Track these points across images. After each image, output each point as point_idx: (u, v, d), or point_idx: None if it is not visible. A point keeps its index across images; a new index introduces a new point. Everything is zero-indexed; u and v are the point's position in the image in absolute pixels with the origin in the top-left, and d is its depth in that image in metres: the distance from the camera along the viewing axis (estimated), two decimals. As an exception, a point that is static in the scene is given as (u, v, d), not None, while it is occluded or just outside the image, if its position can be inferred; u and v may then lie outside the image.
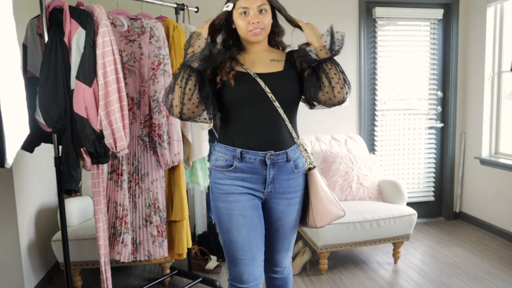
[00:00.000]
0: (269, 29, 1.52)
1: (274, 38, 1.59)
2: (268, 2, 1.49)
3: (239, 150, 1.49)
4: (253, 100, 1.48)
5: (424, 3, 3.67)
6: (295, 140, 1.56)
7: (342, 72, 1.49)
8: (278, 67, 1.54)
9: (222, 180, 1.52)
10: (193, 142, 2.41)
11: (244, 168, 1.50)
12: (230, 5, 1.48)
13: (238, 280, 1.52)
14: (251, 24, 1.45)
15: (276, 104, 1.48)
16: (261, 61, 1.54)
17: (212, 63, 1.43)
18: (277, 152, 1.50)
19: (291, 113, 1.54)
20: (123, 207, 2.15)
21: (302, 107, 1.63)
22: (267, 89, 1.47)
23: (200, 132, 2.41)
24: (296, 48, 1.57)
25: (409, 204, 3.19)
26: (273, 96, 1.47)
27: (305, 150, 1.60)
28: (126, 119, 1.90)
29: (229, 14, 1.49)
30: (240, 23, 1.47)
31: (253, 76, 1.48)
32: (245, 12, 1.46)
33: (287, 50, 1.62)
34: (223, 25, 1.50)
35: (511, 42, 3.44)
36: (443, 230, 3.66)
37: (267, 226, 1.59)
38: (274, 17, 1.54)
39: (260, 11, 1.46)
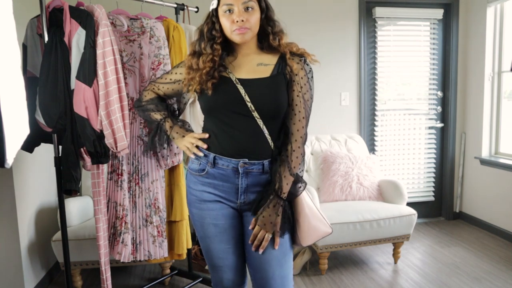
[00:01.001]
0: (256, 29, 1.38)
1: (264, 39, 1.43)
2: (255, 0, 1.36)
3: (212, 155, 1.41)
4: (231, 107, 1.37)
5: (424, 3, 3.67)
6: (274, 153, 1.41)
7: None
8: (265, 72, 1.40)
9: (195, 185, 1.46)
10: (193, 142, 2.41)
11: (216, 175, 1.42)
12: (215, 2, 1.38)
13: (219, 285, 1.49)
14: (236, 23, 1.33)
15: (255, 114, 1.36)
16: (247, 65, 1.41)
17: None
18: (252, 161, 1.39)
19: (273, 124, 1.40)
20: (123, 207, 2.15)
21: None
22: (246, 98, 1.35)
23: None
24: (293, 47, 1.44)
25: (409, 204, 3.19)
26: (252, 106, 1.35)
27: None
28: (126, 119, 1.90)
29: (215, 14, 1.39)
30: (224, 22, 1.36)
31: (235, 82, 1.37)
32: (229, 10, 1.34)
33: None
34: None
35: (511, 42, 3.44)
36: (443, 230, 3.66)
37: (248, 245, 1.45)
38: (265, 16, 1.40)
39: (246, 8, 1.34)
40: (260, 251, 1.38)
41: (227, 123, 1.39)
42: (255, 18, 1.36)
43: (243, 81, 1.38)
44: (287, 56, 1.40)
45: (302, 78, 1.40)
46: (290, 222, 1.44)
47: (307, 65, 1.43)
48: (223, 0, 1.35)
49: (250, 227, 1.40)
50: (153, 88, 1.63)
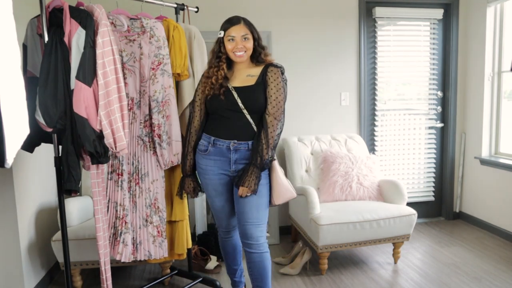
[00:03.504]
0: (250, 51, 2.00)
1: (256, 56, 2.02)
2: (250, 32, 1.97)
3: (213, 138, 2.01)
4: (228, 106, 1.96)
5: (424, 3, 3.67)
6: (256, 136, 1.98)
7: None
8: (251, 81, 1.99)
9: (201, 161, 2.06)
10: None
11: (215, 152, 2.01)
12: (222, 32, 1.98)
13: (221, 226, 2.21)
14: (236, 48, 1.96)
15: (245, 111, 1.96)
16: (240, 76, 2.02)
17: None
18: (240, 142, 1.98)
19: (256, 116, 1.99)
20: (123, 207, 2.15)
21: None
22: (238, 101, 1.95)
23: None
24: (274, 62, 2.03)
25: (409, 204, 3.19)
26: (242, 105, 1.95)
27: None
28: (125, 119, 1.90)
29: (222, 40, 1.99)
30: (228, 46, 1.98)
31: (231, 89, 1.97)
32: (232, 39, 1.95)
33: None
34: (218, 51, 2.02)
35: (511, 42, 3.44)
36: (443, 230, 3.66)
37: (236, 200, 2.04)
38: (257, 43, 2.01)
39: (244, 38, 1.96)
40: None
41: (225, 116, 1.99)
42: (250, 44, 1.99)
43: (236, 88, 1.98)
44: (268, 69, 1.99)
45: (278, 84, 1.97)
46: (268, 187, 2.04)
47: (282, 73, 2.01)
48: (228, 32, 1.96)
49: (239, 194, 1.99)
50: (196, 121, 2.09)
